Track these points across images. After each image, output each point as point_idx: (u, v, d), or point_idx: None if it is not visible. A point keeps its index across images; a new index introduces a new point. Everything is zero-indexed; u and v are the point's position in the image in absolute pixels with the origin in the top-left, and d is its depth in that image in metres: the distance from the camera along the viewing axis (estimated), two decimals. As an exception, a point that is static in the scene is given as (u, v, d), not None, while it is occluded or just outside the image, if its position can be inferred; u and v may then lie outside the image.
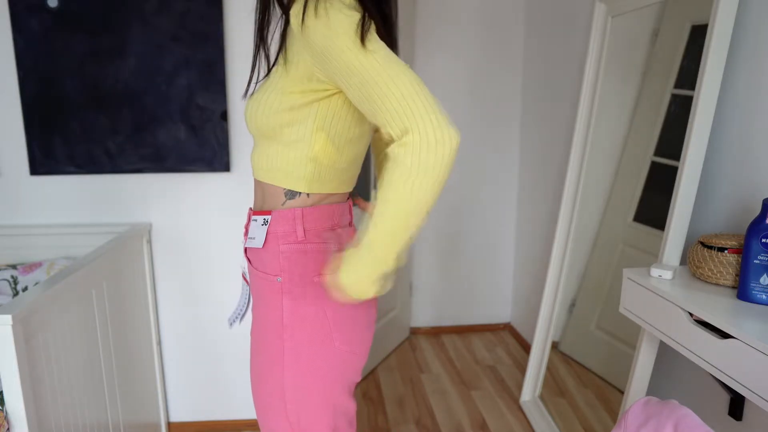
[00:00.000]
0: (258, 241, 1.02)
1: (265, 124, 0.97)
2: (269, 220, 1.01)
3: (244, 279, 1.16)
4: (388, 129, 0.84)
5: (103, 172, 1.97)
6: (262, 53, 1.03)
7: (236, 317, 1.12)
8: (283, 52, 0.95)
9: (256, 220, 1.03)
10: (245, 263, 1.11)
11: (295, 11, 0.89)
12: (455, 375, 2.72)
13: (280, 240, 1.01)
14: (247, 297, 1.12)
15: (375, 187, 1.05)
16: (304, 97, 0.95)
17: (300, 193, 1.01)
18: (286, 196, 1.02)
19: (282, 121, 0.96)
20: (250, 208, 1.09)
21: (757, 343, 1.01)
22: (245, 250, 1.09)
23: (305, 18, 0.87)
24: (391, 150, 0.83)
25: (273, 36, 1.02)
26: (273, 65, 1.00)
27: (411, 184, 0.82)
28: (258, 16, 1.00)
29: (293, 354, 1.02)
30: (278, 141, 0.98)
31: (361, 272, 0.90)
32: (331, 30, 0.85)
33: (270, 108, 0.96)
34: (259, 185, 1.06)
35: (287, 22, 0.94)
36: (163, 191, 2.04)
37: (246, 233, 1.08)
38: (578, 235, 2.14)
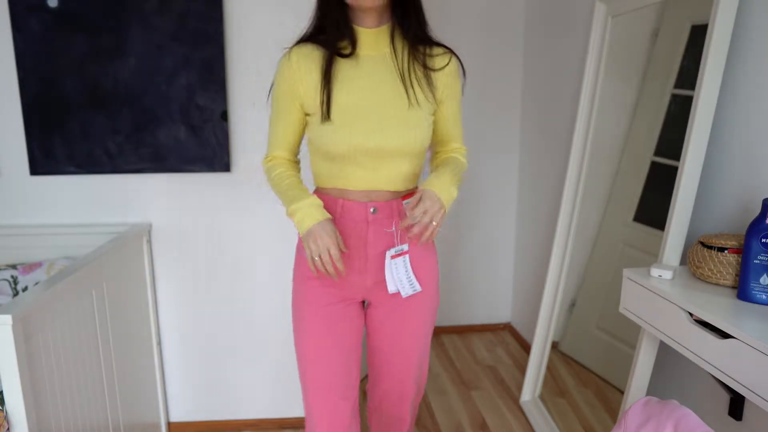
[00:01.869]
0: None
1: (423, 146, 1.30)
2: None
3: (393, 258, 1.33)
4: (456, 143, 1.41)
5: (103, 172, 1.97)
6: (410, 92, 1.29)
7: (409, 287, 1.33)
8: (431, 91, 1.29)
9: (409, 202, 1.28)
10: (394, 249, 1.32)
11: (455, 70, 1.32)
12: (455, 375, 2.72)
13: None
14: (405, 269, 1.33)
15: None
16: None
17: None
18: (414, 189, 1.38)
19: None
20: (371, 209, 1.31)
21: (757, 343, 1.01)
22: (393, 236, 1.33)
23: (465, 76, 1.38)
24: (456, 152, 1.40)
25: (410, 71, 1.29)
26: (413, 100, 1.28)
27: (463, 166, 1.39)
28: (407, 64, 1.28)
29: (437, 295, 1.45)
30: (419, 156, 1.32)
31: (452, 186, 1.28)
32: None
33: (428, 133, 1.30)
34: (385, 192, 1.31)
35: (425, 67, 1.28)
36: (163, 191, 2.04)
37: (397, 219, 1.33)
38: (578, 235, 2.14)
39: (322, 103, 1.24)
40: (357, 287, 1.35)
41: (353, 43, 1.25)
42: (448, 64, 1.31)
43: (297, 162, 1.41)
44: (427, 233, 1.21)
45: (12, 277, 1.86)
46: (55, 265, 1.89)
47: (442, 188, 1.24)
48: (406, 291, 1.33)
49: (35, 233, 1.97)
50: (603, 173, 2.02)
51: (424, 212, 1.20)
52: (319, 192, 1.37)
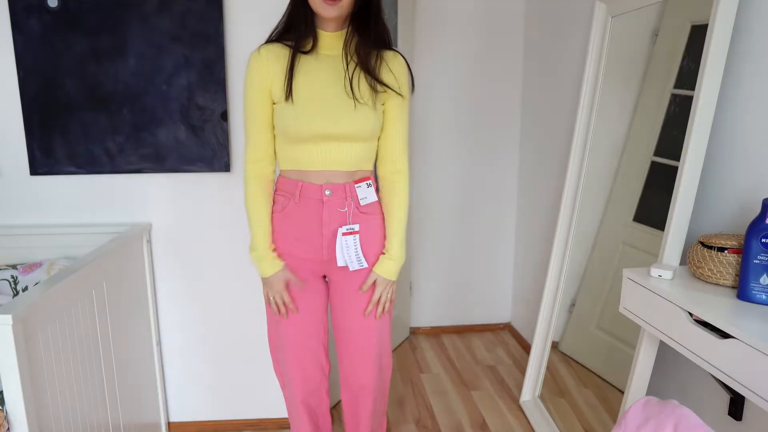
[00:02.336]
0: (372, 196, 1.52)
1: (371, 132, 1.47)
2: (371, 183, 1.52)
3: (344, 236, 1.51)
4: (400, 162, 1.54)
5: (103, 172, 1.97)
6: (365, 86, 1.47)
7: (356, 263, 1.51)
8: (372, 87, 1.45)
9: (361, 186, 1.50)
10: (345, 227, 1.50)
11: (400, 70, 1.50)
12: (455, 375, 2.72)
13: (377, 193, 1.55)
14: (355, 246, 1.50)
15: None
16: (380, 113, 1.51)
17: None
18: (368, 171, 1.54)
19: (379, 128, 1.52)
20: (325, 192, 1.47)
21: (757, 343, 1.01)
22: (346, 215, 1.50)
23: (413, 89, 1.57)
24: (401, 179, 1.54)
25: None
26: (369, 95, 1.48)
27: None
28: (374, 64, 1.47)
29: None
30: (370, 141, 1.49)
31: (401, 252, 1.55)
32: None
33: (374, 123, 1.46)
34: (341, 173, 1.48)
35: (368, 70, 1.45)
36: (163, 191, 2.04)
37: (346, 204, 1.50)
38: (578, 235, 2.14)
39: (285, 88, 1.43)
40: (315, 262, 1.53)
41: (314, 43, 1.46)
42: (394, 64, 1.50)
43: (272, 162, 1.54)
44: (380, 309, 1.54)
45: (12, 277, 1.86)
46: (55, 265, 1.89)
47: (392, 270, 1.53)
48: (353, 266, 1.51)
49: (35, 233, 1.97)
50: (603, 173, 2.02)
51: (378, 298, 1.53)
52: (281, 175, 1.53)
